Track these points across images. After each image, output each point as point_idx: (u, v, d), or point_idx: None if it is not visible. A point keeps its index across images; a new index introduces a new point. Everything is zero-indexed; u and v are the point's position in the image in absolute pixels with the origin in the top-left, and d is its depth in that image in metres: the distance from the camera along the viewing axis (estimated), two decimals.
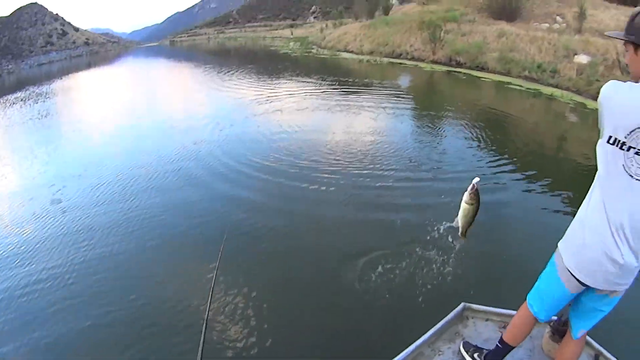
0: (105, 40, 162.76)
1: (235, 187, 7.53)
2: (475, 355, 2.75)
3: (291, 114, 12.60)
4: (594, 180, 2.00)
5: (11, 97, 29.18)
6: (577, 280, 2.11)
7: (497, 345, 2.63)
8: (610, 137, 1.85)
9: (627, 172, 1.84)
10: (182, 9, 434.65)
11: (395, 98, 14.60)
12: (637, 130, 1.78)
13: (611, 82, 1.90)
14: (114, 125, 13.51)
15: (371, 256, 5.15)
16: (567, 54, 19.08)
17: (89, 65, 59.16)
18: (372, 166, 8.00)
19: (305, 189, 7.12)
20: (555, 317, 2.73)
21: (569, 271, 2.12)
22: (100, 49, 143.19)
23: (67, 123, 14.24)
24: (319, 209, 6.49)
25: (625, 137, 1.81)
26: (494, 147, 9.24)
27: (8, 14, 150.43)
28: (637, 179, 1.83)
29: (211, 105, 15.21)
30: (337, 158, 8.53)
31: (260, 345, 3.99)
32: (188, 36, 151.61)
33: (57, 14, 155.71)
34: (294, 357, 3.90)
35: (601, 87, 1.92)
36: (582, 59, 18.21)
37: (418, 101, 14.82)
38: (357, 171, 7.77)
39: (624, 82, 1.86)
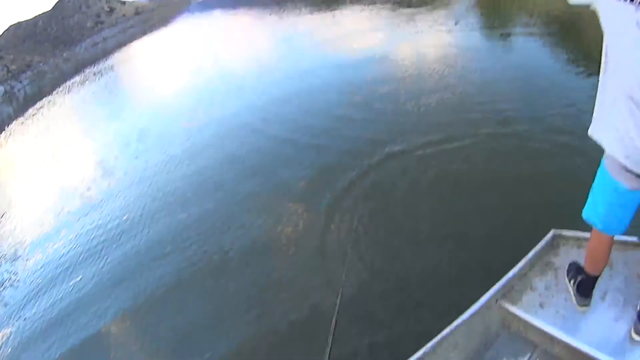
0: (156, 5, 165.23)
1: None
2: (572, 281, 2.69)
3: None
4: (604, 55, 1.93)
5: (69, 83, 30.27)
6: (630, 171, 1.97)
7: (582, 277, 2.56)
8: None
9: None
10: None
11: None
12: None
13: None
14: (179, 88, 13.22)
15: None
16: None
17: (143, 33, 59.21)
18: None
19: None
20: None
21: (615, 160, 2.01)
22: (153, 15, 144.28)
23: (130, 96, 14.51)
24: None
25: None
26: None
27: (50, 8, 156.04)
28: None
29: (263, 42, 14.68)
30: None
31: None
32: None
33: None
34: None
35: None
36: None
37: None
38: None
39: None
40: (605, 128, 2.00)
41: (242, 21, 29.30)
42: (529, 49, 8.92)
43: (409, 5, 15.76)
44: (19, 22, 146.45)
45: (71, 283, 6.04)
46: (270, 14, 24.32)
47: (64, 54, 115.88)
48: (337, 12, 17.37)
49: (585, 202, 2.35)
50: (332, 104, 8.09)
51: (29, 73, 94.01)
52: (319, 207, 5.63)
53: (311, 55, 11.19)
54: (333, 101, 8.27)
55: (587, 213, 2.34)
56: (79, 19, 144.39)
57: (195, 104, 10.25)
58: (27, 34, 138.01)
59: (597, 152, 2.17)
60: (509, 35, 10.27)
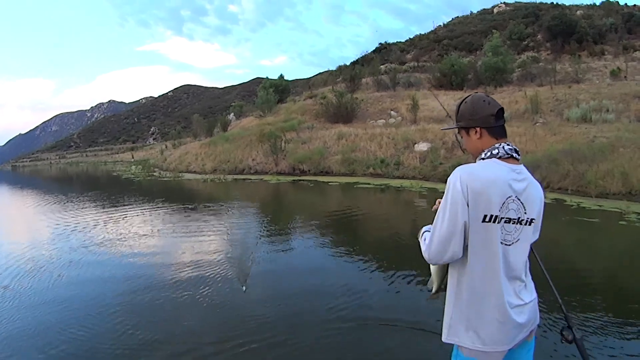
0: None
1: None
2: None
3: (125, 246, 11.13)
4: (460, 264, 2.17)
5: None
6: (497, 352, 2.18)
7: None
8: (485, 216, 2.05)
9: (501, 242, 2.09)
10: (24, 130, 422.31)
11: (242, 216, 14.18)
12: (506, 201, 2.06)
13: (461, 168, 2.10)
14: None
15: None
16: (407, 145, 20.43)
17: None
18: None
19: None
20: None
21: (484, 352, 2.16)
22: None
23: None
24: None
25: (499, 211, 2.05)
26: (350, 251, 8.95)
27: None
28: (508, 245, 2.11)
29: (38, 237, 12.95)
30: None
31: None
32: (30, 161, 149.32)
33: None
34: None
35: (447, 169, 1.79)
36: (423, 146, 19.57)
37: (265, 216, 14.51)
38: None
39: (471, 163, 2.18)
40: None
41: (28, 202, 27.59)
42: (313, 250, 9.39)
43: (193, 209, 16.33)
44: None
45: None
46: (57, 203, 23.27)
47: None
48: (122, 212, 17.09)
49: None
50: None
51: None
52: None
53: (86, 256, 10.15)
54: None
55: None
56: None
57: None
58: None
59: None
60: (290, 238, 10.88)
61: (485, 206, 2.03)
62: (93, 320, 6.33)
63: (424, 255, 2.20)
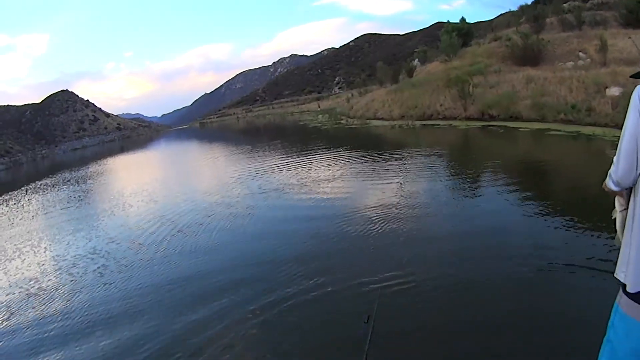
0: (137, 124, 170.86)
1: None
2: None
3: (325, 189, 12.37)
4: (632, 195, 2.04)
5: (40, 183, 31.55)
6: None
7: None
8: None
9: None
10: (209, 90, 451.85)
11: (432, 162, 14.71)
12: None
13: None
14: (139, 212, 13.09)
15: None
16: (598, 89, 19.56)
17: (122, 150, 62.02)
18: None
19: None
20: None
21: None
22: (132, 134, 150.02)
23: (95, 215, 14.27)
24: None
25: None
26: (534, 200, 9.09)
27: (39, 100, 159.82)
28: None
29: (219, 185, 14.84)
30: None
31: None
32: (217, 117, 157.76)
33: (87, 100, 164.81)
34: None
35: None
36: (614, 91, 18.60)
37: (454, 162, 14.99)
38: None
39: None
40: None
41: (216, 154, 30.79)
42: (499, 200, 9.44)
43: (380, 155, 17.07)
44: (7, 106, 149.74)
45: None
46: (242, 153, 27.02)
47: (43, 151, 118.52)
48: (307, 158, 18.66)
49: None
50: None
51: (6, 159, 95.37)
52: None
53: (280, 201, 11.59)
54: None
55: None
56: (63, 120, 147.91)
57: (158, 237, 9.93)
58: (14, 120, 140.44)
59: None
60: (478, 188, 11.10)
61: None
62: (262, 259, 7.41)
63: (613, 179, 2.08)
